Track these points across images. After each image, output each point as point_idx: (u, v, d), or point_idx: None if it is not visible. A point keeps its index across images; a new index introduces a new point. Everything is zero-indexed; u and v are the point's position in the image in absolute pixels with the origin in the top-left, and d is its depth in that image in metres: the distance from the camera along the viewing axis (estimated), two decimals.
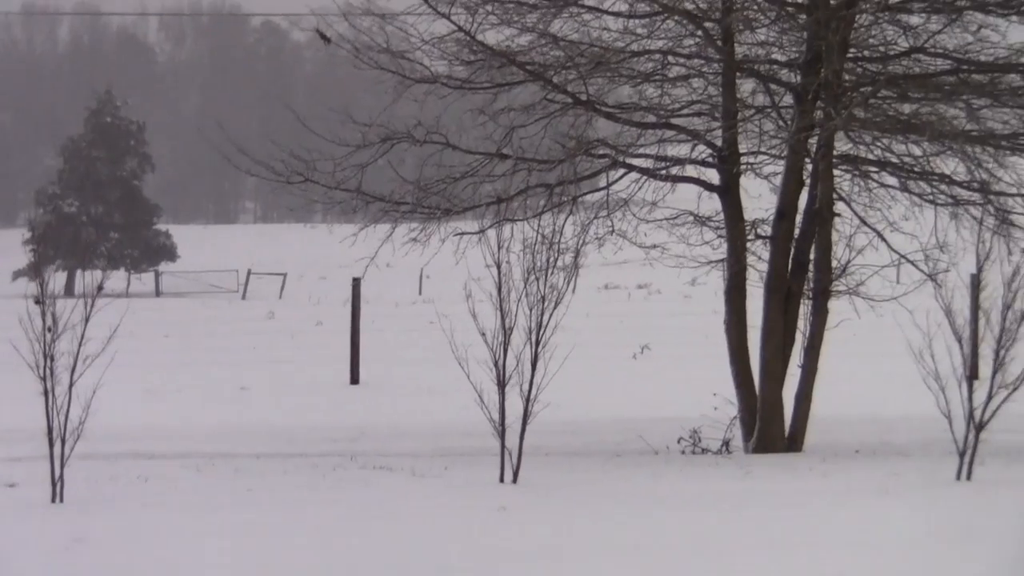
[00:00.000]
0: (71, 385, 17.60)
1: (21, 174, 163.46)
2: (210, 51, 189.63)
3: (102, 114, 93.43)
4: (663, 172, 23.50)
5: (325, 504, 18.01)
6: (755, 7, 22.96)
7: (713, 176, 23.05)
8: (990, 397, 18.84)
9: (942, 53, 22.80)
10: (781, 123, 23.38)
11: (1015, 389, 18.85)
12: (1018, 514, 16.41)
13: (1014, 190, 22.73)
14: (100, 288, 19.34)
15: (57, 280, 74.13)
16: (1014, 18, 22.51)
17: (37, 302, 18.14)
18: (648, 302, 56.80)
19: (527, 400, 18.82)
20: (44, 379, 17.44)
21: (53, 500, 17.25)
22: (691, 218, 23.46)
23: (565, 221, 21.43)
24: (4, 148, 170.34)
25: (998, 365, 18.84)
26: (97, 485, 18.65)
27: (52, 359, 17.46)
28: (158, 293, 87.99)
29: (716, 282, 23.71)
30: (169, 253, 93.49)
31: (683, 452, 22.45)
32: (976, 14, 22.54)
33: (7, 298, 54.58)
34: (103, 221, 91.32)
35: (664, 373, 33.05)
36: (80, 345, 17.55)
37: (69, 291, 66.48)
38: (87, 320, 17.70)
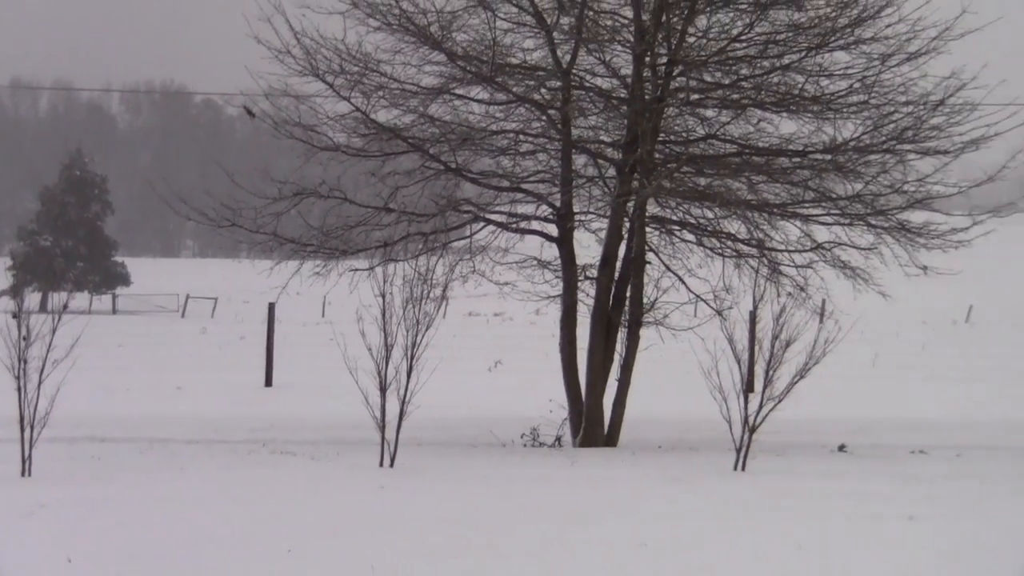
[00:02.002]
0: (40, 383, 17.89)
1: (6, 214, 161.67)
2: (160, 120, 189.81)
3: (73, 168, 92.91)
4: (514, 225, 23.82)
5: (241, 480, 18.10)
6: (587, 99, 23.37)
7: (552, 230, 23.28)
8: (761, 406, 19.62)
9: (730, 139, 23.19)
10: (606, 190, 23.50)
11: (780, 400, 19.60)
12: (778, 498, 16.83)
13: (783, 247, 23.28)
14: (66, 306, 19.50)
15: (33, 300, 74.04)
16: (784, 114, 22.89)
17: (14, 316, 18.39)
18: (502, 327, 56.80)
19: (403, 402, 19.08)
20: (18, 378, 17.67)
21: (23, 474, 17.48)
22: (535, 262, 23.83)
23: (437, 262, 21.86)
24: None
25: (767, 382, 19.67)
26: (59, 463, 18.64)
27: (25, 362, 17.70)
28: (114, 311, 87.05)
29: (554, 312, 23.78)
30: (124, 279, 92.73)
31: (524, 445, 22.62)
32: (756, 110, 23.02)
33: None
34: (71, 253, 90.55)
35: (512, 383, 32.76)
36: (48, 351, 17.79)
37: (43, 308, 66.12)
38: (54, 331, 18.24)
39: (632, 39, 22.62)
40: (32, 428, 17.88)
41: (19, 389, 17.83)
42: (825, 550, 13.35)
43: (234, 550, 13.16)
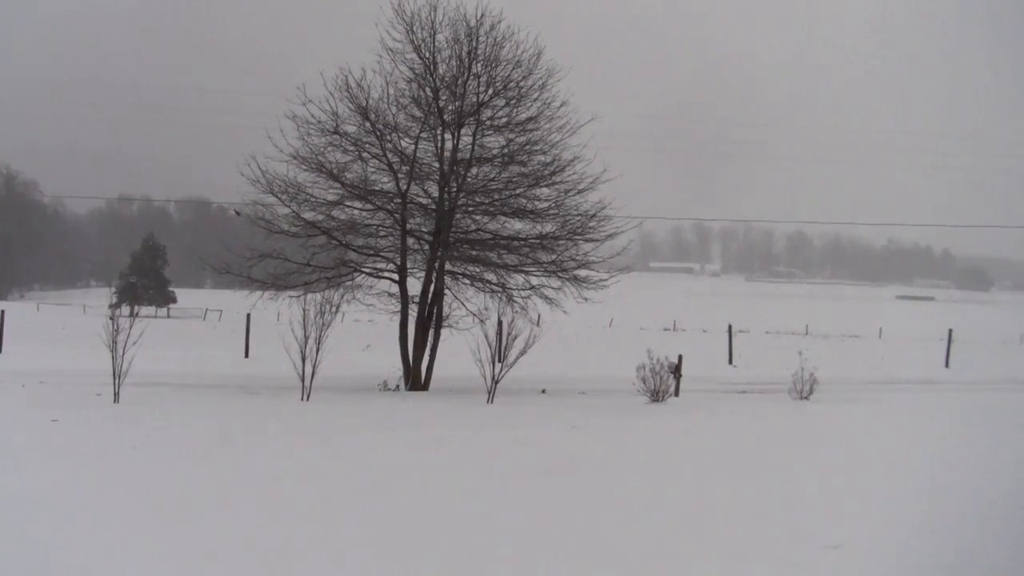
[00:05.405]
0: (123, 353, 17.98)
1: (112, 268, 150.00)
2: (193, 217, 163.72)
3: (147, 242, 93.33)
4: (376, 274, 24.02)
5: (224, 403, 18.09)
6: (415, 209, 23.73)
7: (395, 277, 23.40)
8: (501, 369, 20.27)
9: (488, 231, 23.70)
10: (424, 255, 23.80)
11: (511, 367, 20.30)
12: (507, 416, 17.25)
13: (515, 287, 23.54)
14: (137, 313, 19.46)
15: (124, 310, 71.28)
16: (516, 219, 23.60)
17: (111, 318, 18.82)
18: (373, 326, 56.29)
19: (314, 366, 19.36)
20: (112, 350, 18.07)
21: (114, 401, 17.58)
22: (387, 293, 23.90)
23: (335, 294, 21.83)
24: None
25: (505, 357, 20.60)
26: (134, 396, 18.26)
27: (115, 340, 18.06)
28: (168, 316, 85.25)
29: (397, 319, 24.26)
30: (174, 299, 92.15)
31: (380, 389, 22.48)
32: (502, 216, 23.70)
33: None
34: (147, 285, 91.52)
35: (378, 357, 32.01)
36: (128, 335, 18.16)
37: (131, 314, 64.37)
38: (131, 325, 18.42)
39: (438, 178, 23.36)
40: (119, 376, 18.13)
41: (113, 355, 18.10)
42: (531, 443, 13.35)
43: (212, 437, 13.25)
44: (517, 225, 23.81)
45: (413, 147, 23.00)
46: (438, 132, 23.12)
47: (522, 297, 23.54)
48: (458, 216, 23.49)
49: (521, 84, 22.71)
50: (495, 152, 23.46)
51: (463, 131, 23.16)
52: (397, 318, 23.77)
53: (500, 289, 23.62)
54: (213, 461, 11.40)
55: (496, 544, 7.91)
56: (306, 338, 19.42)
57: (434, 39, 22.51)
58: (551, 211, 23.27)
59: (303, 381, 19.30)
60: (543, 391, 23.41)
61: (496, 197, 23.49)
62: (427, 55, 22.59)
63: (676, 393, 21.72)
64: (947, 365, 38.45)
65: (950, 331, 42.31)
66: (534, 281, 23.58)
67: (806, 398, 21.53)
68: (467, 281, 24.08)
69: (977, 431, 16.55)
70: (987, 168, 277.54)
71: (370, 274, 24.03)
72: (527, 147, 23.08)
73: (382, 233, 24.00)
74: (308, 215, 22.98)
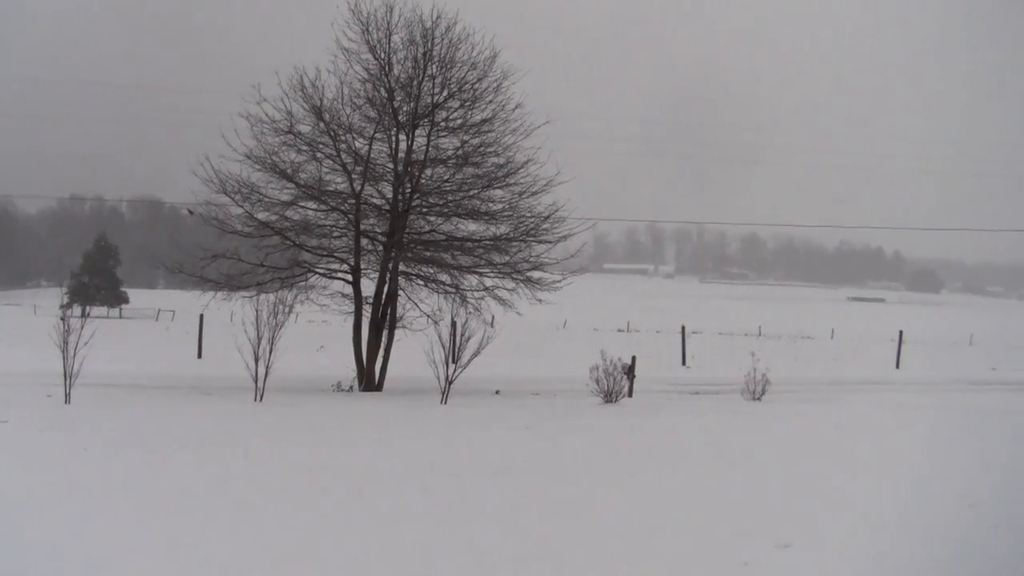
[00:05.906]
0: (75, 353, 17.78)
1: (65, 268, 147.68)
2: (147, 217, 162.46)
3: (99, 243, 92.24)
4: (330, 275, 24.01)
5: (178, 403, 17.98)
6: (369, 210, 23.62)
7: (349, 277, 23.35)
8: (455, 370, 20.18)
9: (442, 233, 23.75)
10: (377, 256, 23.76)
11: (464, 367, 20.17)
12: (460, 416, 17.22)
13: (469, 288, 23.51)
14: (88, 313, 19.21)
15: (76, 310, 70.38)
16: (470, 220, 23.58)
17: (61, 319, 18.35)
18: (326, 327, 55.94)
19: (267, 367, 19.32)
20: (64, 350, 17.80)
21: (65, 402, 17.37)
22: (340, 294, 23.94)
23: (288, 294, 21.69)
24: None
25: (458, 357, 20.25)
26: (84, 397, 18.10)
27: (66, 340, 17.79)
28: (120, 317, 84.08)
29: (351, 320, 24.15)
30: (126, 299, 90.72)
31: (334, 390, 22.59)
32: (455, 218, 23.77)
33: None
34: (99, 285, 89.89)
35: (332, 357, 31.90)
36: (79, 336, 17.86)
37: (83, 314, 63.22)
38: (82, 325, 18.12)
39: (392, 179, 23.37)
40: (70, 377, 17.93)
41: (64, 356, 17.85)
42: (484, 445, 13.34)
43: (164, 438, 13.02)
44: (471, 226, 23.92)
45: (367, 148, 23.02)
46: (392, 133, 23.17)
47: (476, 298, 23.58)
48: (412, 217, 23.57)
49: (476, 86, 22.78)
50: (449, 153, 23.52)
51: (417, 132, 23.21)
52: (351, 319, 23.71)
53: (454, 290, 23.66)
54: (164, 462, 11.32)
55: (449, 543, 7.93)
56: (259, 339, 19.34)
57: (390, 40, 22.57)
58: (505, 213, 23.36)
59: (256, 382, 19.27)
60: (497, 392, 23.55)
61: (450, 198, 23.55)
62: (382, 56, 22.63)
63: (630, 394, 21.81)
64: (898, 366, 39.08)
65: (900, 332, 43.11)
66: (488, 282, 23.65)
67: (759, 399, 21.81)
68: (421, 282, 24.14)
69: (928, 430, 16.69)
70: (942, 171, 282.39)
71: (324, 275, 24.04)
72: (481, 149, 23.13)
73: (336, 234, 23.96)
74: (261, 215, 22.92)
